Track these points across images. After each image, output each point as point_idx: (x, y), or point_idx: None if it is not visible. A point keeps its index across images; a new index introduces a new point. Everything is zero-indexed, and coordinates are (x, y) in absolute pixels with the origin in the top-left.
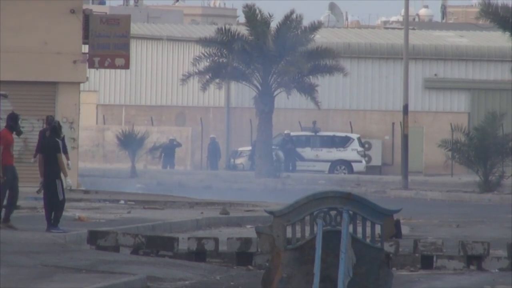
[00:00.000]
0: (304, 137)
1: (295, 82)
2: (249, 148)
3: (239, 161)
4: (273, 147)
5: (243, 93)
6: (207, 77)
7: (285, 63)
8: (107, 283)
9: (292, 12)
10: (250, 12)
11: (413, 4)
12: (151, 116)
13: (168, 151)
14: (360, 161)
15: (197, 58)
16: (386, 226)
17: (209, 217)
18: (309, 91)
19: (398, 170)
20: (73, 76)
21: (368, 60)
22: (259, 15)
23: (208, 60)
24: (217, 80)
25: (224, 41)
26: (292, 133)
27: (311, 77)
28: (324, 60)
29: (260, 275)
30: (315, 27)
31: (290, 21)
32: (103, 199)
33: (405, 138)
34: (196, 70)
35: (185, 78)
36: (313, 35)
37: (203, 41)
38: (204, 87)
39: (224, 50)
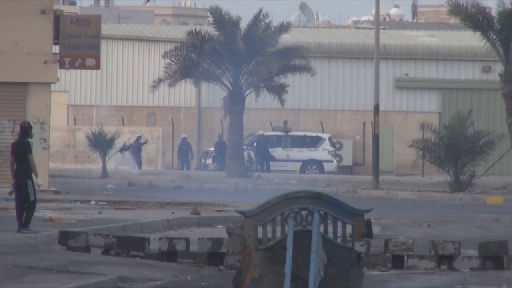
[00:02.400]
0: (275, 137)
1: (265, 82)
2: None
3: (210, 161)
4: (244, 147)
5: (214, 93)
6: (177, 76)
7: (255, 63)
8: (78, 283)
9: (260, 11)
10: (217, 14)
11: (384, 4)
12: (122, 116)
13: (135, 149)
14: (331, 161)
15: (167, 65)
16: (357, 225)
17: (180, 217)
18: (279, 91)
19: (369, 170)
20: (44, 76)
21: (339, 60)
22: (227, 16)
23: (179, 64)
24: (188, 79)
25: (194, 42)
26: (256, 134)
27: (281, 76)
28: (294, 60)
29: (231, 275)
30: (284, 27)
31: (259, 20)
32: (74, 200)
33: (376, 138)
34: (167, 75)
35: (155, 85)
36: (282, 35)
37: (174, 50)
38: (173, 84)
39: (194, 53)
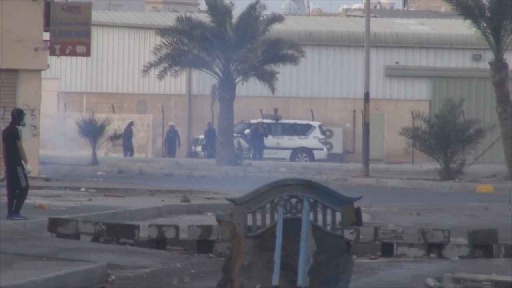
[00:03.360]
0: (266, 125)
1: (255, 70)
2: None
3: (200, 148)
4: (234, 134)
5: (204, 81)
6: (167, 65)
7: (245, 50)
8: (68, 270)
9: (257, 2)
10: (211, 0)
11: None
12: (112, 104)
13: (127, 134)
14: (321, 149)
15: (158, 47)
16: (346, 213)
17: (170, 204)
18: (269, 78)
19: (359, 158)
20: (34, 63)
21: (330, 47)
22: (219, 3)
23: (169, 48)
24: (176, 68)
25: (185, 29)
26: (253, 121)
27: (272, 65)
28: (284, 49)
29: (220, 263)
30: (277, 18)
31: (254, 10)
32: (64, 187)
33: (366, 125)
34: (157, 60)
35: (146, 69)
36: (273, 25)
37: (164, 31)
38: (161, 76)
39: (185, 38)
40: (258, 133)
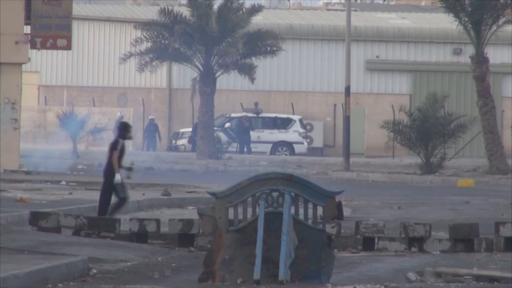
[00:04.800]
0: (241, 119)
1: (236, 63)
2: (191, 129)
3: (180, 142)
4: (215, 128)
5: (184, 74)
6: (147, 58)
7: (226, 44)
8: (49, 264)
9: None
10: None
11: None
12: (92, 97)
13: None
14: (302, 143)
15: (138, 39)
16: (328, 207)
17: (151, 198)
18: (249, 71)
19: (339, 152)
20: (15, 56)
21: (310, 41)
22: None
23: (150, 41)
24: (156, 62)
25: (166, 22)
26: (233, 115)
27: (253, 58)
28: (265, 42)
29: (202, 257)
30: (256, 9)
31: (231, 2)
32: (44, 180)
33: (347, 119)
34: (138, 51)
35: (125, 58)
36: (253, 17)
37: (145, 24)
38: (141, 69)
39: (166, 32)
40: (244, 127)
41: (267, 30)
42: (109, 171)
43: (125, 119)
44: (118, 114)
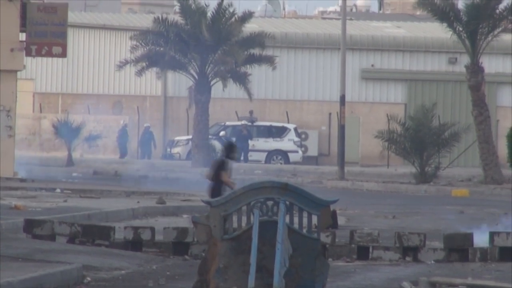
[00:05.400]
0: (240, 127)
1: (231, 72)
2: (186, 137)
3: (175, 150)
4: (210, 136)
5: (180, 82)
6: (144, 64)
7: (221, 52)
8: (43, 271)
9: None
10: (184, 2)
11: None
12: (87, 105)
13: (123, 133)
14: (297, 151)
15: (134, 47)
16: (322, 216)
17: (146, 206)
18: (244, 80)
19: (334, 161)
20: (10, 64)
21: (305, 50)
22: (193, 5)
23: (145, 49)
24: (155, 69)
25: (161, 31)
26: (228, 123)
27: (248, 66)
28: (259, 49)
29: (196, 265)
30: (247, 16)
31: (223, 9)
32: (39, 188)
33: (341, 128)
34: (133, 58)
35: (121, 65)
36: (247, 24)
37: (138, 35)
38: (139, 73)
39: (161, 40)
40: (242, 136)
41: (260, 34)
42: (218, 191)
43: (120, 127)
44: (122, 122)
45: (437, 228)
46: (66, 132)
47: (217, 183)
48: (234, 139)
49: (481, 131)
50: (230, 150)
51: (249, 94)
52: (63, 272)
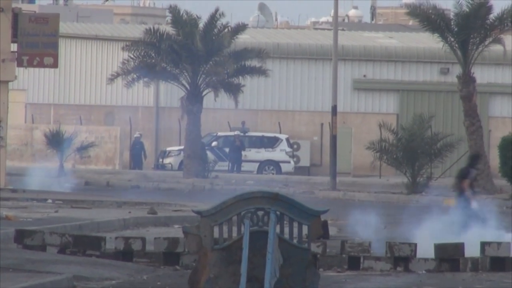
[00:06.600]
0: (233, 137)
1: (223, 83)
2: (178, 148)
3: (167, 161)
4: (206, 147)
5: (171, 93)
6: (135, 76)
7: (213, 63)
8: (34, 282)
9: (216, 11)
10: (176, 12)
11: (343, 5)
12: (79, 115)
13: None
14: (289, 162)
15: (125, 61)
16: (313, 226)
17: (137, 216)
18: (236, 91)
19: (326, 171)
20: (2, 74)
21: (297, 60)
22: (185, 16)
23: (137, 61)
24: (145, 79)
25: (153, 41)
26: (220, 133)
27: (240, 77)
28: (251, 61)
29: (187, 275)
30: (241, 27)
31: (215, 20)
32: (30, 198)
33: (333, 139)
34: (125, 70)
35: (113, 78)
36: (239, 35)
37: (130, 46)
38: (129, 85)
39: (152, 51)
40: (235, 146)
41: (253, 48)
42: (463, 198)
43: (134, 138)
44: (137, 133)
45: (427, 238)
46: (58, 142)
47: (461, 190)
48: (227, 150)
49: (472, 141)
50: (476, 160)
51: (236, 103)
52: (53, 282)
